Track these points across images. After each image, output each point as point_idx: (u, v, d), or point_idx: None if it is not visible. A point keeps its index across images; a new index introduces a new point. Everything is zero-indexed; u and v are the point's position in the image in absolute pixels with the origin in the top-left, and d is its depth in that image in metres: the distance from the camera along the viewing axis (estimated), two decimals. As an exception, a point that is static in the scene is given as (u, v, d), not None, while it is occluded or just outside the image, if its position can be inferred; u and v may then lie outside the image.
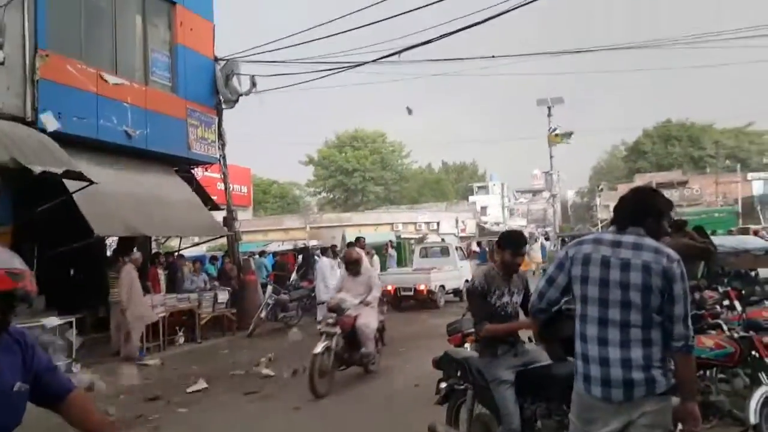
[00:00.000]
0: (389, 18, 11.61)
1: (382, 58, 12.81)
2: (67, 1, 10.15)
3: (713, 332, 4.53)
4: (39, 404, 1.89)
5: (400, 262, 22.47)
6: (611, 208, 3.02)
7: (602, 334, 2.49)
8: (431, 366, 4.45)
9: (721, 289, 5.78)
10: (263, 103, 13.40)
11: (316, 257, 15.88)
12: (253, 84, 13.74)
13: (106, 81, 10.40)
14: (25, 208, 9.39)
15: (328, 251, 14.46)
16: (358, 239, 13.68)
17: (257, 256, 17.80)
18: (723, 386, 4.74)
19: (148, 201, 10.99)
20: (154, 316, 10.03)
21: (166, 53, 12.32)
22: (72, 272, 11.30)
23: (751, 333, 4.35)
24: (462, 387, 4.18)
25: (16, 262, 1.68)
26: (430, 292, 14.70)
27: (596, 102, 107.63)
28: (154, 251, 13.88)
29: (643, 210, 2.60)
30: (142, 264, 10.53)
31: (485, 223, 48.52)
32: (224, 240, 15.36)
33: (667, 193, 3.96)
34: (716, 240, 8.46)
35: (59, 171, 8.02)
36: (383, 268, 17.85)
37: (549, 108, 30.22)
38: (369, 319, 7.30)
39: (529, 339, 4.16)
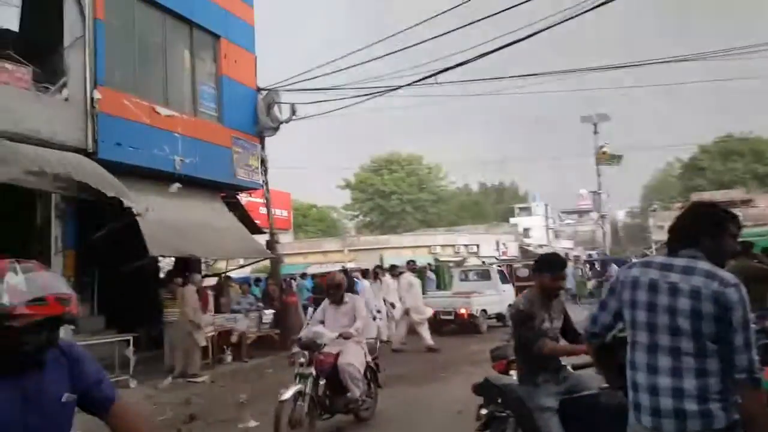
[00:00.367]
0: (424, 41, 11.92)
1: (417, 81, 13.08)
2: (123, 39, 10.89)
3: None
4: (86, 412, 1.97)
5: (440, 286, 22.41)
6: (666, 229, 2.76)
7: (652, 360, 2.34)
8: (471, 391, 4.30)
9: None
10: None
11: (356, 279, 16.12)
12: (293, 112, 14.30)
13: (158, 113, 11.07)
14: (87, 233, 10.02)
15: (369, 273, 14.59)
16: (408, 262, 13.86)
17: (299, 278, 18.23)
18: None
19: (197, 225, 11.56)
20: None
21: (213, 85, 13.00)
22: (127, 293, 11.89)
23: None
24: (503, 414, 4.02)
25: (63, 288, 1.76)
26: (471, 315, 14.31)
27: (644, 116, 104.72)
28: (203, 273, 14.41)
29: (695, 228, 2.39)
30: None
31: (528, 245, 46.42)
32: (267, 262, 15.86)
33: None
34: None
35: (129, 201, 8.70)
36: (422, 291, 17.85)
37: (595, 125, 29.36)
38: (353, 357, 6.08)
39: (573, 367, 4.02)
